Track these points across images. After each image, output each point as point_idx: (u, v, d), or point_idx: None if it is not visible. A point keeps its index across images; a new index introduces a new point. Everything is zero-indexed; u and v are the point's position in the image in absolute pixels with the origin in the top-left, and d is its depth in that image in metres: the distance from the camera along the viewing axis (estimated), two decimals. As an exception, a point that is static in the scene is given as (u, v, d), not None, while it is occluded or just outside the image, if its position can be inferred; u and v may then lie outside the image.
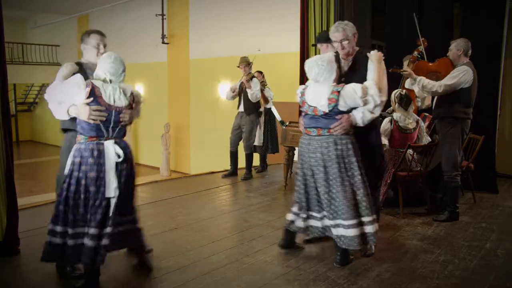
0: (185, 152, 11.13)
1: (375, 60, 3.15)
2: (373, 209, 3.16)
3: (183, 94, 10.97)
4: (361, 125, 3.11)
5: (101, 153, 2.72)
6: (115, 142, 2.78)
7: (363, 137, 3.25)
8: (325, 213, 3.16)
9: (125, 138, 2.91)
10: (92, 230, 2.68)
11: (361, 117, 3.08)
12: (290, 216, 3.37)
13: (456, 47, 4.25)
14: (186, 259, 3.36)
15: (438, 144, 4.44)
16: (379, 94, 3.05)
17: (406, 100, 4.59)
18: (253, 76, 6.00)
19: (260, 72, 6.41)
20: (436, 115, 4.40)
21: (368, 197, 3.12)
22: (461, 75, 4.13)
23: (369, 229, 3.10)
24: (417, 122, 4.66)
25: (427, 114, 5.03)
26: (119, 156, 2.76)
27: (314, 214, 3.25)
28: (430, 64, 4.51)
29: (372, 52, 3.21)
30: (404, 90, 4.70)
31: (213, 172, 6.76)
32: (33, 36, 16.96)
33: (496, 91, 5.45)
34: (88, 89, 2.70)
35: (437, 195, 4.73)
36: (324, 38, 3.94)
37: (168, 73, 11.55)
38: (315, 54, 5.89)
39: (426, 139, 4.66)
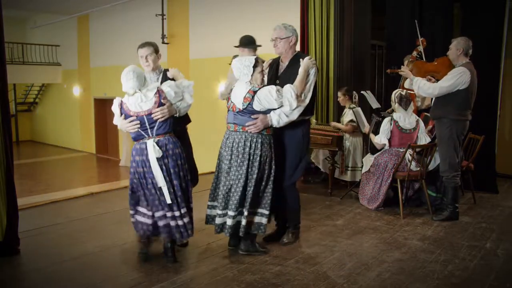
0: (185, 152, 11.14)
1: (302, 67, 3.30)
2: (268, 205, 3.32)
3: (183, 94, 10.98)
4: (277, 126, 3.28)
5: (143, 151, 3.14)
6: (156, 141, 3.13)
7: (286, 142, 3.47)
8: (227, 211, 3.31)
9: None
10: (150, 213, 3.19)
11: (276, 119, 3.25)
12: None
13: (456, 46, 4.20)
14: (186, 259, 3.36)
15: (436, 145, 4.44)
16: (295, 99, 3.19)
17: (406, 100, 4.60)
18: None
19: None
20: (433, 116, 4.40)
21: (266, 193, 3.31)
22: (457, 76, 4.09)
23: (258, 219, 3.32)
24: (417, 122, 4.66)
25: (429, 115, 5.03)
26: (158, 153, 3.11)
27: (218, 206, 3.37)
28: (429, 64, 4.50)
29: (305, 58, 3.35)
30: (404, 90, 4.70)
31: (213, 172, 6.74)
32: (33, 36, 16.93)
33: (496, 91, 5.45)
34: (118, 109, 3.19)
35: (437, 195, 4.73)
36: (241, 43, 4.35)
37: (168, 73, 11.56)
38: (315, 53, 5.90)
39: (426, 139, 4.66)
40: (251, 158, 3.23)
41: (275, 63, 3.58)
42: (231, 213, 3.27)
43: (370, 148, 4.97)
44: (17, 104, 17.85)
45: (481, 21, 5.38)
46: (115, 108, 3.22)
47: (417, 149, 4.51)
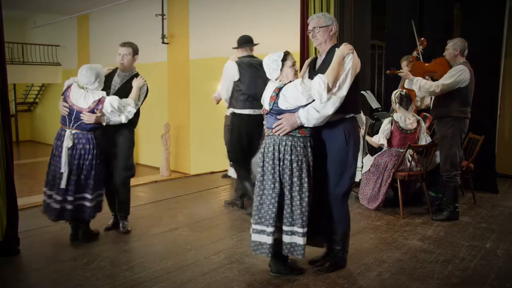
0: (185, 152, 11.13)
1: (336, 55, 2.83)
2: (304, 220, 2.84)
3: (183, 94, 10.96)
4: (309, 125, 2.83)
5: (61, 137, 3.54)
6: (73, 133, 3.50)
7: (327, 144, 2.97)
8: (264, 228, 2.89)
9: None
10: (55, 195, 3.53)
11: (305, 115, 2.79)
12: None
13: (453, 46, 4.25)
14: (186, 259, 3.36)
15: (437, 144, 4.44)
16: (325, 89, 2.72)
17: (406, 100, 4.60)
18: None
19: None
20: (434, 115, 4.41)
21: (301, 206, 2.83)
22: (458, 74, 4.12)
23: (288, 239, 2.87)
24: (418, 122, 4.66)
25: (427, 114, 5.04)
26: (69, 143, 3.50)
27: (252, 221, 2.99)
28: (427, 64, 4.51)
29: (341, 45, 2.89)
30: (404, 90, 4.70)
31: (213, 172, 6.76)
32: (33, 36, 16.92)
33: (496, 91, 5.45)
34: (64, 88, 3.58)
35: (437, 195, 4.73)
36: (238, 43, 4.49)
37: (168, 73, 11.53)
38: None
39: (426, 139, 4.67)
40: (281, 164, 2.84)
41: (313, 60, 3.16)
42: (269, 229, 2.85)
43: (368, 150, 4.97)
44: (17, 104, 17.84)
45: (481, 21, 5.38)
46: (65, 84, 3.62)
47: (417, 149, 4.51)
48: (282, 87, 2.88)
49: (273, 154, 2.86)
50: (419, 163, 4.55)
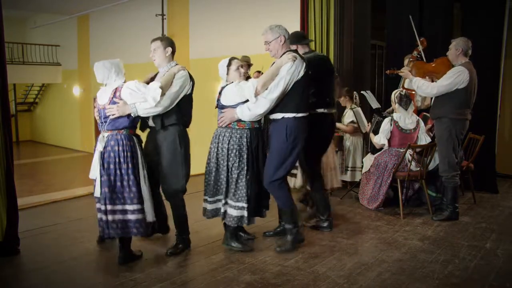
0: (185, 152, 11.14)
1: (275, 64, 3.34)
2: (244, 196, 3.36)
3: (183, 94, 10.98)
4: (245, 120, 3.35)
5: (97, 143, 3.25)
6: (106, 135, 3.21)
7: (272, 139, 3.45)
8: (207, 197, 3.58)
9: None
10: (98, 205, 3.25)
11: (240, 112, 3.33)
12: None
13: (455, 46, 4.22)
14: (186, 259, 3.37)
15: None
16: (253, 93, 3.23)
17: (406, 100, 4.60)
18: (249, 77, 5.95)
19: (259, 72, 6.40)
20: (433, 115, 4.40)
21: (238, 184, 3.36)
22: (456, 75, 4.10)
23: (234, 212, 3.38)
24: (417, 122, 4.66)
25: (427, 114, 5.04)
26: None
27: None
28: (428, 64, 4.50)
29: (283, 55, 3.34)
30: (404, 90, 4.70)
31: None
32: (33, 36, 16.92)
33: (496, 91, 5.45)
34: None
35: (437, 195, 4.73)
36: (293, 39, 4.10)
37: (168, 73, 11.56)
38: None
39: (426, 139, 4.66)
40: (219, 150, 3.42)
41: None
42: (211, 199, 3.53)
43: (370, 147, 4.97)
44: (17, 104, 17.84)
45: (481, 21, 5.38)
46: None
47: (417, 149, 4.51)
48: (225, 86, 3.42)
49: (214, 142, 3.45)
50: (419, 163, 4.55)
